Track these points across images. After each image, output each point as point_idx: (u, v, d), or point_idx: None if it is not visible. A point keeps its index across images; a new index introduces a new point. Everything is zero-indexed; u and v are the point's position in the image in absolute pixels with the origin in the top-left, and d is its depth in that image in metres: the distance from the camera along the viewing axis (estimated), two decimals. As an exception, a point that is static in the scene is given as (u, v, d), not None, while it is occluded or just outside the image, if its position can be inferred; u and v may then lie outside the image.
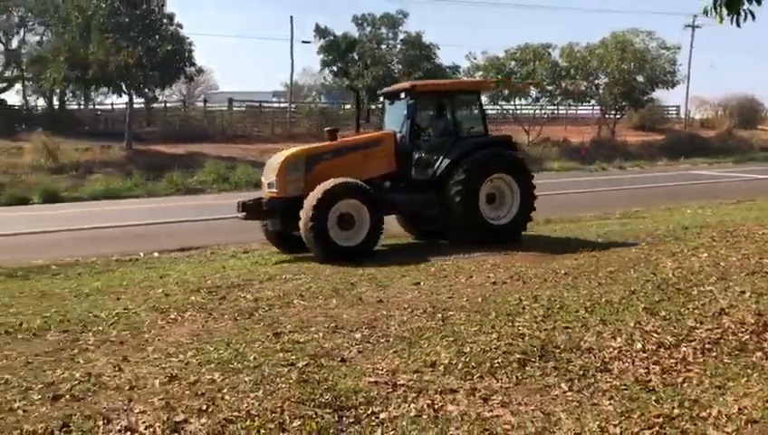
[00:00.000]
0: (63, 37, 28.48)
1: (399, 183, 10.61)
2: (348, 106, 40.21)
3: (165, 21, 29.36)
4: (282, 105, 46.51)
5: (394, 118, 11.16)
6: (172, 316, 6.50)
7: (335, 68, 35.55)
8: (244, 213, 10.08)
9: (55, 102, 41.09)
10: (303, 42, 40.06)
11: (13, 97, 48.96)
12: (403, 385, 4.51)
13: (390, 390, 4.44)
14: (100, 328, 6.15)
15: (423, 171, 10.68)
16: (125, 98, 31.63)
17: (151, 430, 3.90)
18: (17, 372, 4.95)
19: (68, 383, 4.66)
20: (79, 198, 20.81)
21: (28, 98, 44.13)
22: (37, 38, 43.83)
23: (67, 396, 4.42)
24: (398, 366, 4.87)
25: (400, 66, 35.73)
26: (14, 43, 43.64)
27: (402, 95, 10.87)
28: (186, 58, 29.68)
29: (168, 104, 44.85)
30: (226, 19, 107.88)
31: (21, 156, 25.58)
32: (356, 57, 35.41)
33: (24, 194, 20.59)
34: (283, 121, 40.60)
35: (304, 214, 9.32)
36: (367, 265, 8.88)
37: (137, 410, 4.16)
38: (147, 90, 29.54)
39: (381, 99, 11.91)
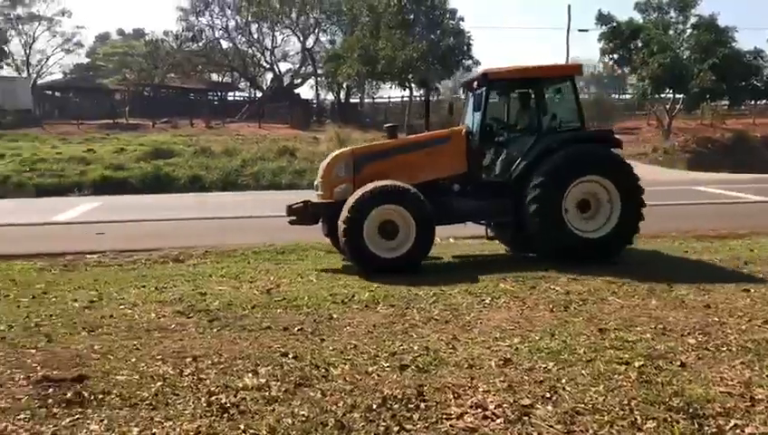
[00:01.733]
0: (356, 35, 30.93)
1: (469, 187, 9.18)
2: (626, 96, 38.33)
3: (447, 16, 30.50)
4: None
5: (471, 111, 9.59)
6: (487, 301, 6.69)
7: (616, 56, 33.84)
8: (292, 217, 9.19)
9: (341, 96, 45.15)
10: (580, 30, 38.87)
11: (306, 92, 54.94)
12: (763, 400, 4.09)
13: (749, 403, 4.05)
14: (422, 306, 6.54)
15: (497, 172, 9.21)
16: (399, 91, 33.64)
17: (500, 410, 4.00)
18: (362, 340, 5.45)
19: (409, 355, 5.01)
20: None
21: (320, 92, 49.19)
22: (328, 37, 48.62)
23: (413, 367, 4.75)
24: (750, 379, 4.43)
25: (689, 52, 32.87)
26: (310, 42, 48.89)
27: (476, 85, 9.34)
28: (464, 51, 30.60)
29: (440, 96, 46.65)
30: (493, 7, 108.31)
31: (317, 145, 28.42)
32: (639, 44, 33.35)
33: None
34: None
35: (340, 220, 8.37)
36: (681, 266, 8.27)
37: (481, 389, 4.31)
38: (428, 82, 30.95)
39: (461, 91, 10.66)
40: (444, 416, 3.95)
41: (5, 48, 62.77)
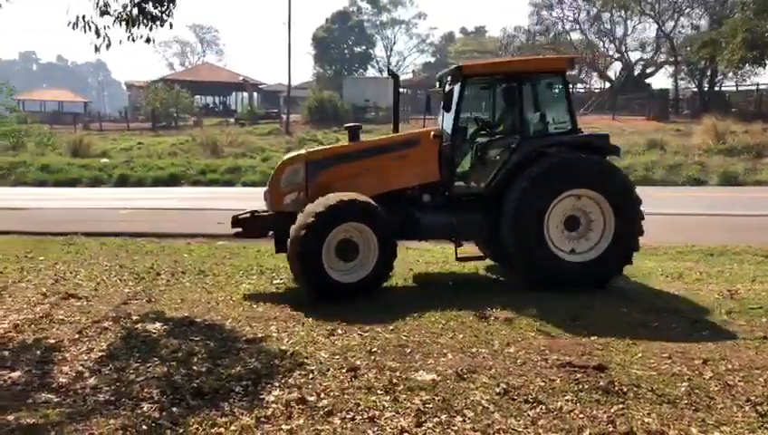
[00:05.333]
0: (739, 17, 27.82)
1: (441, 197, 7.90)
2: None
3: None
4: None
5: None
6: None
7: None
8: (239, 229, 8.04)
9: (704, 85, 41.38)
10: None
11: (657, 81, 51.71)
12: None
13: None
14: None
15: (473, 182, 7.96)
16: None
17: None
18: None
19: None
20: (759, 182, 20.14)
21: (678, 81, 45.63)
22: (690, 21, 44.97)
23: None
24: None
25: None
26: (667, 28, 45.66)
27: (449, 80, 8.00)
28: None
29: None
30: None
31: (689, 138, 26.34)
32: None
33: (700, 176, 21.16)
34: None
35: (293, 236, 6.98)
36: None
37: None
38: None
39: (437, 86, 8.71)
40: None
41: (371, 52, 71.23)
